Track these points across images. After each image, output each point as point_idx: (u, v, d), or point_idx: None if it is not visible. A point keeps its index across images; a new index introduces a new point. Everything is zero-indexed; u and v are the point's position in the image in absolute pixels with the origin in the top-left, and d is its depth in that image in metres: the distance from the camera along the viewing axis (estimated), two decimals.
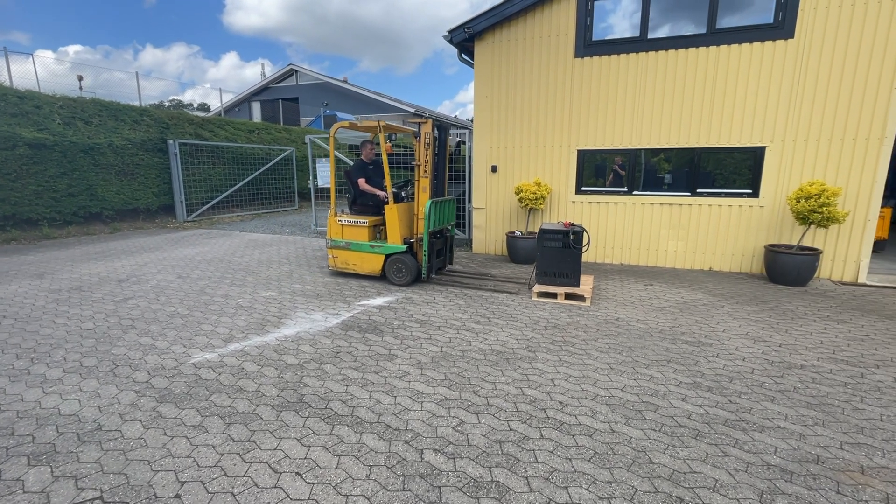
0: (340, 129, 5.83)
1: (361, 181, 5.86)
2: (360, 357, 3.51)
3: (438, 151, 5.58)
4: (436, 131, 5.41)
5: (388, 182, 5.49)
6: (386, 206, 5.46)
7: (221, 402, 2.82)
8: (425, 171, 5.35)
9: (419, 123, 5.31)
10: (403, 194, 5.83)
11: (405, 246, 5.47)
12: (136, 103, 11.06)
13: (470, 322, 4.34)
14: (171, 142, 10.44)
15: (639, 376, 3.25)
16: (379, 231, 5.89)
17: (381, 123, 5.31)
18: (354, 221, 5.70)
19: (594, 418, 2.70)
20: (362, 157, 6.07)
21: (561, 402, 2.88)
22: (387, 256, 5.58)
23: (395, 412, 2.74)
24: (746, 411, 2.80)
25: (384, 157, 5.41)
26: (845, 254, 5.95)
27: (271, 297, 5.07)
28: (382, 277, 5.77)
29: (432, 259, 5.58)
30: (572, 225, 5.16)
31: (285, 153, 13.45)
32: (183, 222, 10.80)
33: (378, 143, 6.02)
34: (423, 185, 5.40)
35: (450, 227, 6.02)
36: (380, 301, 4.98)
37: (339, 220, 5.78)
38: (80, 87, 11.82)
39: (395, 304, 4.86)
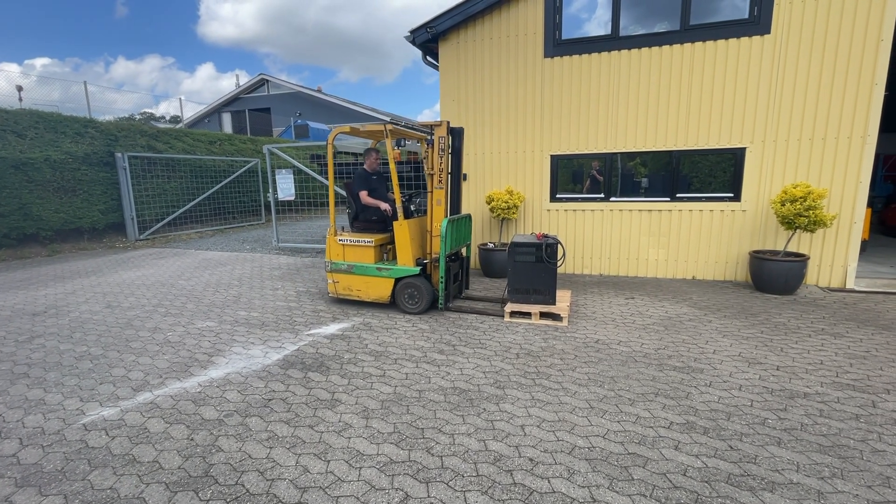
0: (335, 136, 4.99)
1: (363, 193, 5.08)
2: (296, 405, 2.94)
3: (453, 160, 4.89)
4: (450, 137, 4.76)
5: (396, 194, 4.75)
6: (395, 223, 4.74)
7: (102, 481, 2.22)
8: (440, 182, 4.70)
9: (432, 127, 4.68)
10: (413, 207, 5.15)
11: (418, 268, 4.76)
12: (105, 116, 10.28)
13: (432, 352, 3.81)
14: (119, 155, 9.67)
15: (623, 417, 2.76)
16: (386, 251, 5.14)
17: (388, 128, 4.65)
18: (358, 241, 4.94)
19: (571, 481, 2.20)
20: (365, 166, 5.31)
21: (531, 459, 2.37)
22: (397, 280, 4.84)
23: (324, 485, 2.18)
24: (751, 461, 2.34)
25: (392, 166, 4.70)
26: (832, 258, 5.65)
27: (208, 328, 4.44)
28: (392, 304, 5.01)
29: (449, 285, 4.88)
30: (545, 236, 4.70)
31: (249, 164, 12.76)
32: (134, 241, 10.00)
33: (381, 152, 5.39)
34: (438, 198, 4.74)
35: (465, 248, 5.36)
36: (333, 329, 4.41)
37: (340, 240, 5.00)
38: (20, 99, 10.95)
39: (350, 332, 4.30)
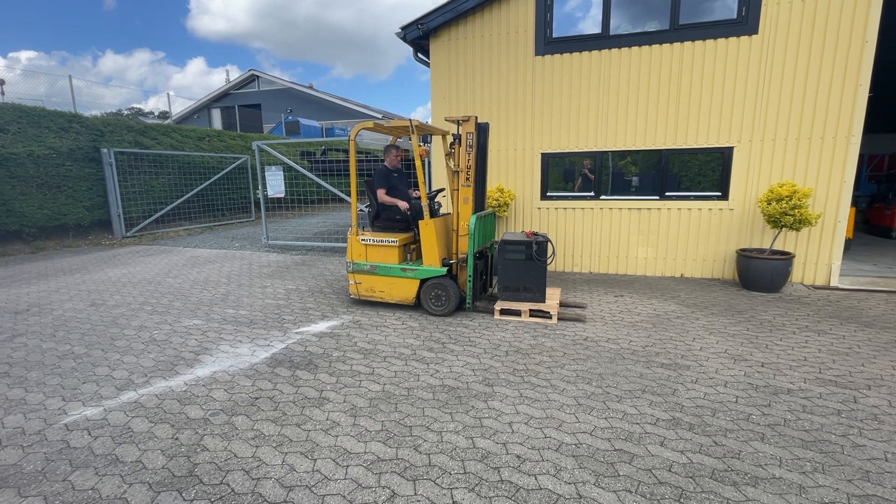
0: (357, 132, 4.79)
1: (381, 192, 4.93)
2: (283, 404, 2.92)
3: (478, 157, 4.71)
4: (477, 133, 4.63)
5: (422, 192, 4.65)
6: (421, 222, 4.61)
7: (83, 482, 2.18)
8: (467, 179, 4.55)
9: (459, 122, 4.56)
10: (436, 206, 5.03)
11: (445, 268, 4.62)
12: (91, 111, 10.09)
13: (422, 350, 3.81)
14: (104, 150, 9.51)
15: (610, 414, 2.78)
16: (410, 251, 5.01)
17: (415, 123, 4.53)
18: (381, 241, 4.79)
19: (558, 478, 2.21)
20: (385, 163, 5.15)
21: (519, 456, 2.37)
22: (422, 281, 4.71)
23: (310, 484, 2.17)
24: (735, 456, 2.37)
25: (417, 163, 4.60)
26: (817, 256, 5.74)
27: (195, 326, 4.39)
28: (417, 306, 4.90)
29: (476, 283, 4.78)
30: (535, 234, 4.71)
31: (239, 161, 12.62)
32: (121, 238, 9.85)
33: (403, 149, 5.26)
34: (465, 195, 4.58)
35: (490, 245, 5.22)
36: (322, 327, 4.39)
37: (363, 240, 4.86)
38: (2, 93, 10.70)
39: (340, 330, 4.28)
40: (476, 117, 4.54)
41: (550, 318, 4.51)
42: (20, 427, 2.65)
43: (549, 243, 4.65)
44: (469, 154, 4.55)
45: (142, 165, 10.41)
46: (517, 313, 4.65)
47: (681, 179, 6.24)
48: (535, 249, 4.56)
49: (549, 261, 4.64)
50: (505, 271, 4.71)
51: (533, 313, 4.61)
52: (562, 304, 4.96)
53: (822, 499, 2.06)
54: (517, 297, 4.70)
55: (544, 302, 4.64)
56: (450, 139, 4.92)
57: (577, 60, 6.27)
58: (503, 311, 4.68)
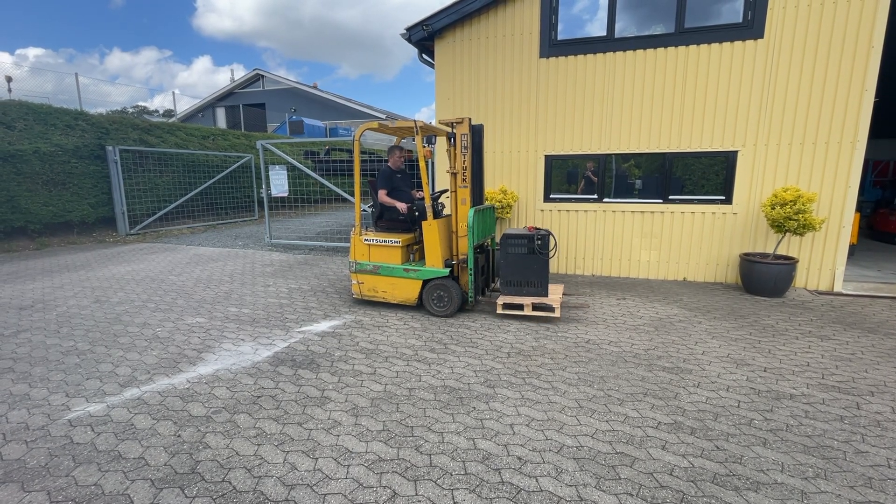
0: (362, 132, 4.79)
1: (381, 192, 4.93)
2: (285, 402, 2.93)
3: (474, 157, 4.72)
4: (471, 134, 4.63)
5: (426, 193, 4.67)
6: (424, 222, 4.60)
7: (86, 478, 2.19)
8: (464, 180, 4.59)
9: (453, 125, 4.59)
10: (439, 207, 5.04)
11: (447, 269, 4.63)
12: (97, 109, 10.14)
13: (424, 350, 3.81)
14: (110, 148, 9.55)
15: (612, 417, 2.78)
16: (412, 251, 5.03)
17: (419, 124, 4.52)
18: (385, 241, 4.81)
19: (559, 480, 2.21)
20: (389, 164, 5.14)
21: (520, 458, 2.37)
22: (424, 282, 4.72)
23: (311, 483, 2.18)
24: (737, 461, 2.36)
25: (421, 164, 4.61)
26: (820, 262, 5.72)
27: (198, 324, 4.40)
28: (419, 307, 4.90)
29: (478, 279, 4.78)
30: (537, 229, 4.71)
31: (243, 160, 12.66)
32: (125, 236, 9.89)
33: (406, 150, 5.29)
34: (462, 197, 4.62)
35: (490, 241, 5.25)
36: (324, 326, 4.39)
37: (366, 240, 4.88)
38: (9, 90, 10.78)
39: (342, 330, 4.29)
40: (470, 119, 4.57)
41: (553, 311, 4.49)
42: (24, 422, 2.67)
43: (551, 237, 4.64)
44: (464, 155, 4.58)
45: (146, 163, 10.45)
46: (520, 307, 4.63)
47: (684, 183, 6.23)
48: (537, 243, 4.55)
49: (551, 254, 4.62)
50: (507, 266, 4.70)
51: (535, 307, 4.59)
52: (564, 302, 4.95)
53: None
54: (519, 292, 4.70)
55: (547, 296, 4.63)
56: (447, 142, 4.94)
57: (582, 63, 6.26)
58: (505, 306, 4.67)
